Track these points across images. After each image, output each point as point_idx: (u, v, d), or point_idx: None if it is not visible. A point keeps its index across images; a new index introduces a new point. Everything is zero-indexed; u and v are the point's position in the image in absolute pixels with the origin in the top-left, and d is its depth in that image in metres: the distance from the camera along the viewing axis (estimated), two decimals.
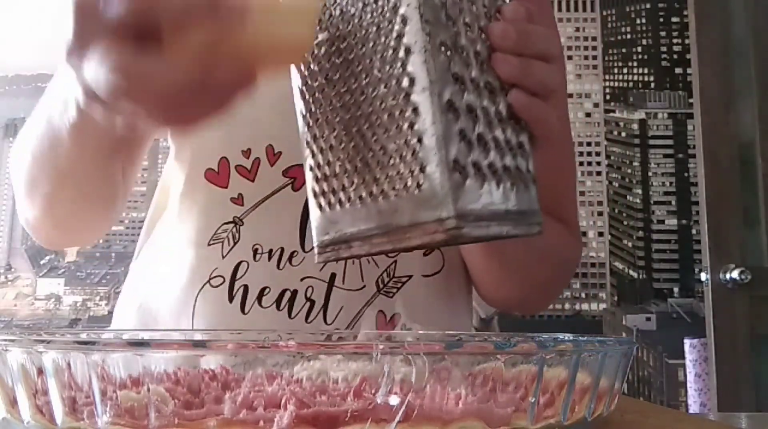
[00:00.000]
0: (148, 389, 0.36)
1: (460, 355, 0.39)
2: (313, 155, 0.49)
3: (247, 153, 0.78)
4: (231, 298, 0.77)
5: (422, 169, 0.42)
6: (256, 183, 0.77)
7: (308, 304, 0.77)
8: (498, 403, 0.39)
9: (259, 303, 0.76)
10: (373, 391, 0.36)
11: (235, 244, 0.78)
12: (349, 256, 0.47)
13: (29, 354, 0.39)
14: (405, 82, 0.43)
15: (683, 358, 2.27)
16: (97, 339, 0.48)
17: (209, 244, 0.78)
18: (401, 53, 0.43)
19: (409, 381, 0.36)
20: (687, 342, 2.25)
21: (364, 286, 0.78)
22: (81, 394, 0.38)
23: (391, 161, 0.44)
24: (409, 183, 0.43)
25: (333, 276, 0.77)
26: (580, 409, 0.43)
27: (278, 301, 0.77)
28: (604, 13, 2.63)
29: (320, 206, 0.48)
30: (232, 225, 0.78)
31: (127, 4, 0.41)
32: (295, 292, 0.77)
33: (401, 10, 0.43)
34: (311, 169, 0.49)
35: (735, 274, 1.95)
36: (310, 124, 0.49)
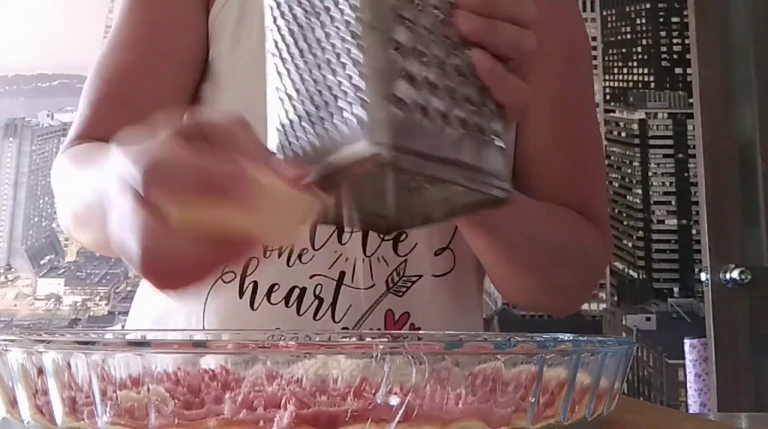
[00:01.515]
0: (148, 389, 0.36)
1: (460, 355, 0.39)
2: (274, 107, 0.49)
3: None
4: (241, 294, 0.77)
5: (360, 103, 0.42)
6: None
7: (317, 301, 0.76)
8: (498, 403, 0.39)
9: (268, 299, 0.77)
10: (373, 391, 0.36)
11: None
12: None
13: (29, 354, 0.39)
14: (353, 23, 0.43)
15: (683, 358, 2.27)
16: (97, 339, 0.48)
17: None
18: None
19: (409, 381, 0.36)
20: (687, 342, 2.25)
21: (374, 285, 0.78)
22: (81, 394, 0.38)
23: (335, 98, 0.44)
24: (348, 116, 0.43)
25: (342, 274, 0.77)
26: (580, 409, 0.42)
27: (287, 298, 0.77)
28: (604, 13, 2.63)
29: (284, 154, 0.48)
30: None
31: (141, 182, 0.40)
32: (303, 290, 0.77)
33: None
34: (271, 120, 0.49)
35: (735, 274, 1.95)
36: (273, 77, 0.49)
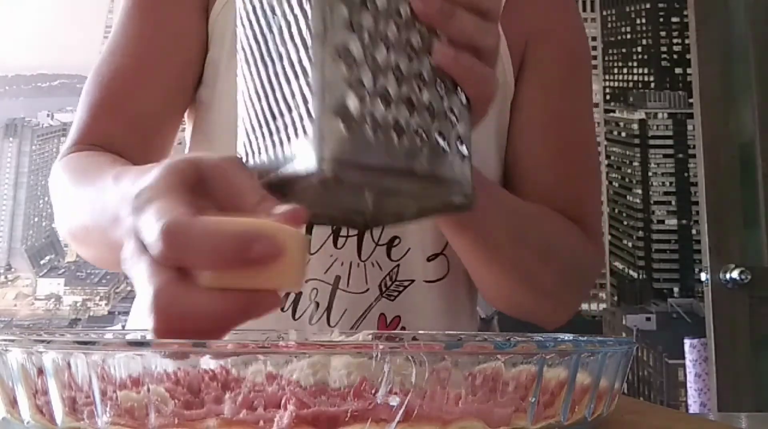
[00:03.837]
0: (148, 389, 0.36)
1: (460, 355, 0.39)
2: (240, 112, 0.48)
3: None
4: None
5: (309, 115, 0.41)
6: None
7: (313, 306, 0.76)
8: (498, 403, 0.39)
9: None
10: (373, 391, 0.36)
11: None
12: None
13: (29, 354, 0.39)
14: (305, 31, 0.42)
15: (683, 358, 2.27)
16: (97, 339, 0.48)
17: None
18: (304, 2, 0.43)
19: (409, 381, 0.36)
20: (687, 342, 2.25)
21: (368, 290, 0.78)
22: (81, 394, 0.38)
23: (289, 109, 0.43)
24: (297, 129, 0.42)
25: (337, 278, 0.77)
26: (580, 409, 0.42)
27: (283, 303, 0.76)
28: (604, 13, 2.63)
29: (246, 157, 0.48)
30: None
31: (158, 249, 0.39)
32: (299, 294, 0.77)
33: None
34: (238, 127, 0.48)
35: (735, 274, 1.95)
36: (240, 82, 0.49)
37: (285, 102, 0.44)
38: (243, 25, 0.48)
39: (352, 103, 0.42)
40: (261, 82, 0.46)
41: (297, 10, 0.43)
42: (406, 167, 0.43)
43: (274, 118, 0.45)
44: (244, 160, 0.47)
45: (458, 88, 0.47)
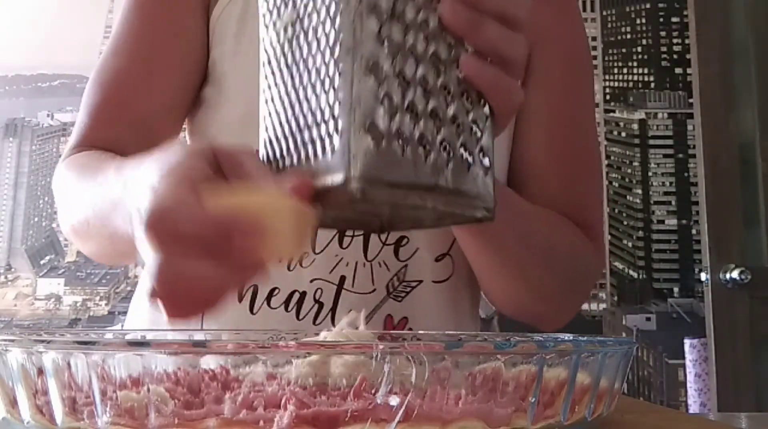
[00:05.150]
0: (148, 389, 0.36)
1: (460, 355, 0.39)
2: (264, 119, 0.48)
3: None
4: (240, 298, 0.76)
5: (337, 131, 0.41)
6: None
7: (317, 306, 0.76)
8: (498, 403, 0.39)
9: (268, 304, 0.76)
10: (373, 391, 0.36)
11: None
12: None
13: (29, 354, 0.39)
14: (335, 44, 0.42)
15: (683, 358, 2.26)
16: (97, 339, 0.48)
17: None
18: (335, 14, 0.42)
19: (409, 381, 0.36)
20: (687, 342, 2.25)
21: (374, 290, 0.77)
22: (81, 394, 0.38)
23: (317, 123, 0.43)
24: (326, 145, 0.42)
25: (342, 278, 0.77)
26: (580, 409, 0.42)
27: (287, 303, 0.76)
28: (604, 13, 2.62)
29: (271, 166, 0.47)
30: None
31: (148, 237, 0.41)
32: (303, 294, 0.76)
33: None
34: (260, 134, 0.48)
35: (735, 274, 1.95)
36: (264, 88, 0.48)
37: (313, 115, 0.43)
38: (268, 31, 0.48)
39: (382, 119, 0.41)
40: (287, 90, 0.46)
41: (326, 22, 0.43)
42: (431, 183, 0.43)
43: (300, 130, 0.44)
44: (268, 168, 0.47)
45: (482, 99, 0.46)
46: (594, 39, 2.59)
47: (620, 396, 0.48)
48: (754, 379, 1.98)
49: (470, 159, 0.45)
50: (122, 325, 2.30)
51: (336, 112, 0.41)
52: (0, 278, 2.54)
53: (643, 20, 2.62)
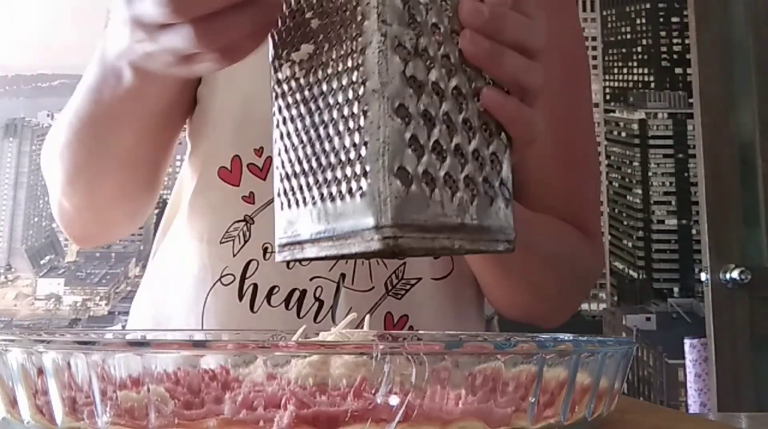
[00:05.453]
0: (148, 389, 0.36)
1: (460, 355, 0.39)
2: (279, 153, 0.47)
3: (259, 151, 0.78)
4: (241, 297, 0.77)
5: (365, 174, 0.40)
6: (267, 181, 0.77)
7: (317, 304, 0.76)
8: (498, 403, 0.39)
9: (268, 302, 0.76)
10: (373, 391, 0.36)
11: (245, 242, 0.77)
12: (303, 258, 0.45)
13: (29, 354, 0.39)
14: (358, 82, 0.41)
15: (683, 358, 2.26)
16: (97, 339, 0.48)
17: (221, 243, 0.78)
18: (357, 52, 0.41)
19: (409, 381, 0.36)
20: (687, 342, 2.25)
21: (374, 288, 0.77)
22: (81, 394, 0.38)
23: (341, 163, 0.42)
24: (353, 187, 0.41)
25: (342, 276, 0.77)
26: (580, 409, 0.42)
27: (287, 301, 0.76)
28: (604, 13, 2.62)
29: (281, 205, 0.47)
30: (243, 223, 0.78)
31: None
32: (304, 292, 0.76)
33: (360, 7, 0.41)
34: (276, 167, 0.47)
35: (735, 274, 1.95)
36: (278, 121, 0.47)
37: (336, 155, 0.42)
38: (277, 61, 0.47)
39: (410, 162, 0.40)
40: (305, 126, 0.44)
41: (347, 59, 0.42)
42: (458, 223, 0.42)
43: (322, 168, 0.43)
44: (281, 206, 0.46)
45: (501, 129, 0.46)
46: (594, 39, 2.59)
47: (620, 396, 0.48)
48: (754, 379, 1.98)
49: (492, 193, 0.44)
50: (123, 326, 2.30)
51: (363, 154, 0.40)
52: (0, 278, 2.54)
53: (643, 20, 2.62)
